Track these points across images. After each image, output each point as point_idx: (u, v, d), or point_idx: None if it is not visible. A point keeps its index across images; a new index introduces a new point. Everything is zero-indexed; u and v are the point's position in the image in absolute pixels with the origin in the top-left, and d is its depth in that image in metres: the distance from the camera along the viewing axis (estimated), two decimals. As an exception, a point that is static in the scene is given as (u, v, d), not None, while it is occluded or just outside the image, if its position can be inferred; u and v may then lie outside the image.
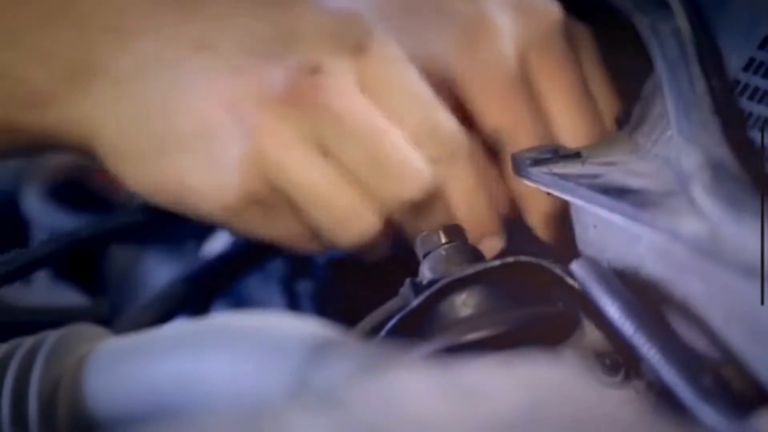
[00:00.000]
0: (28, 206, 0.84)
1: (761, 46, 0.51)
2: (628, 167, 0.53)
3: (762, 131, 0.49)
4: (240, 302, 0.73)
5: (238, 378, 0.44)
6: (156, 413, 0.46)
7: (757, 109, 0.50)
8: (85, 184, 0.87)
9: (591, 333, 0.50)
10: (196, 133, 0.59)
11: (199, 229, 0.71)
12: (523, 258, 0.51)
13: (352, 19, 0.61)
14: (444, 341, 0.49)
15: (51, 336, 0.48)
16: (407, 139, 0.60)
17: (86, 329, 0.50)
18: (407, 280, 0.52)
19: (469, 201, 0.62)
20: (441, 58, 0.64)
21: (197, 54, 0.60)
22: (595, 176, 0.52)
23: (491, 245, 0.63)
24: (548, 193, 0.55)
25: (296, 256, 0.68)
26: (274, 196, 0.60)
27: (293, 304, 0.71)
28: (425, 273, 0.54)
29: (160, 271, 0.77)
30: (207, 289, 0.69)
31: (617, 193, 0.50)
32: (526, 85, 0.63)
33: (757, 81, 0.50)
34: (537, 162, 0.55)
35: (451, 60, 0.63)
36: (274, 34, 0.60)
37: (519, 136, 0.62)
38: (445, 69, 0.64)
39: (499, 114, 0.63)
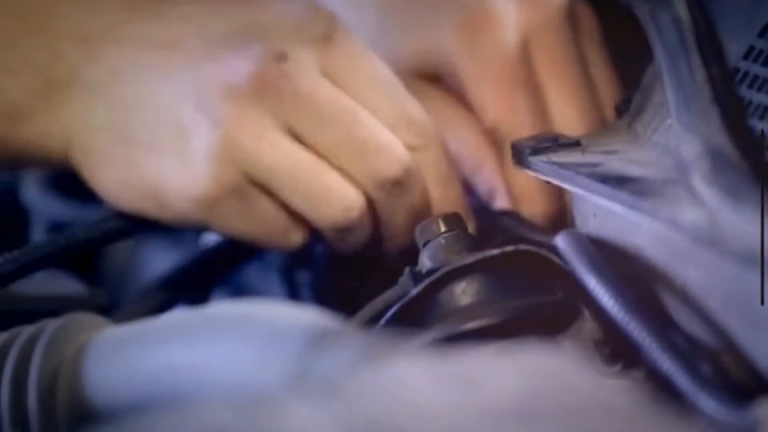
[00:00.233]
0: (27, 196, 0.84)
1: (761, 34, 0.51)
2: (627, 156, 0.53)
3: (762, 119, 0.49)
4: (239, 291, 0.73)
5: (238, 367, 0.44)
6: (155, 402, 0.46)
7: (757, 98, 0.50)
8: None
9: (590, 322, 0.50)
10: (168, 131, 0.59)
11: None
12: (522, 247, 0.51)
13: (317, 12, 0.61)
14: (443, 330, 0.49)
15: (50, 325, 0.48)
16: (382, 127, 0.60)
17: (85, 318, 0.50)
18: (407, 269, 0.52)
19: (442, 188, 0.62)
20: (442, 49, 0.64)
21: (165, 54, 0.60)
22: (595, 165, 0.52)
23: None
24: (547, 182, 0.55)
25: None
26: (251, 186, 0.59)
27: (292, 293, 0.71)
28: (425, 262, 0.54)
29: (159, 260, 0.77)
30: (206, 278, 0.69)
31: (617, 181, 0.50)
32: (526, 75, 0.63)
33: (756, 69, 0.50)
34: (536, 151, 0.55)
35: (452, 51, 0.63)
36: (239, 28, 0.60)
37: (518, 131, 0.62)
38: (446, 60, 0.64)
39: (499, 108, 0.63)
